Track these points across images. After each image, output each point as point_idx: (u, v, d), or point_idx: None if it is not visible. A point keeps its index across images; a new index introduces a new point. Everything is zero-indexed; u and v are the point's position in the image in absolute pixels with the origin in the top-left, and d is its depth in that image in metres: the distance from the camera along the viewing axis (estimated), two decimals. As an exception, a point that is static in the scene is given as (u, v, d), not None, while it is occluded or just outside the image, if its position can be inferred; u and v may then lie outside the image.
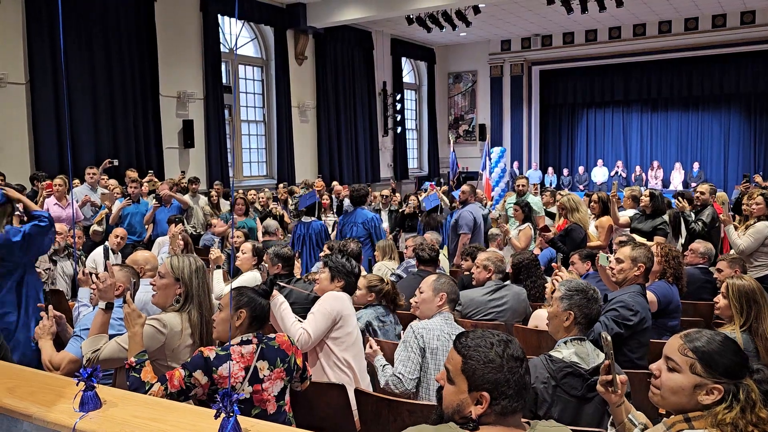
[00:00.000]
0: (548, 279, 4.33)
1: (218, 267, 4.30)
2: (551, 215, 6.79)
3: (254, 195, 8.94)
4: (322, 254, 5.94)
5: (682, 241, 5.98)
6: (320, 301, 3.06)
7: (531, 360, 2.25)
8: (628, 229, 5.55)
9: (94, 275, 2.82)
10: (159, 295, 2.61)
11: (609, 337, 1.83)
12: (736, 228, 5.05)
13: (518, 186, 7.26)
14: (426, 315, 2.86)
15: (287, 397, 2.42)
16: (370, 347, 2.82)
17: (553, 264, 3.30)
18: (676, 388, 1.64)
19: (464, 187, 6.89)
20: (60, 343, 2.83)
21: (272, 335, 2.45)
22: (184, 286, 2.54)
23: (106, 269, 2.62)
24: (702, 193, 5.75)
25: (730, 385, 1.59)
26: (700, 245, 4.62)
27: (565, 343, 2.32)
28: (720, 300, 2.97)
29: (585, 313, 2.35)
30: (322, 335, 2.95)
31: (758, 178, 9.82)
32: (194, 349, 2.39)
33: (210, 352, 2.21)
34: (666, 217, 5.49)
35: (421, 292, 2.91)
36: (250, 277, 4.24)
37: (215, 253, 4.37)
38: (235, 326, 2.35)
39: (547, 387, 2.20)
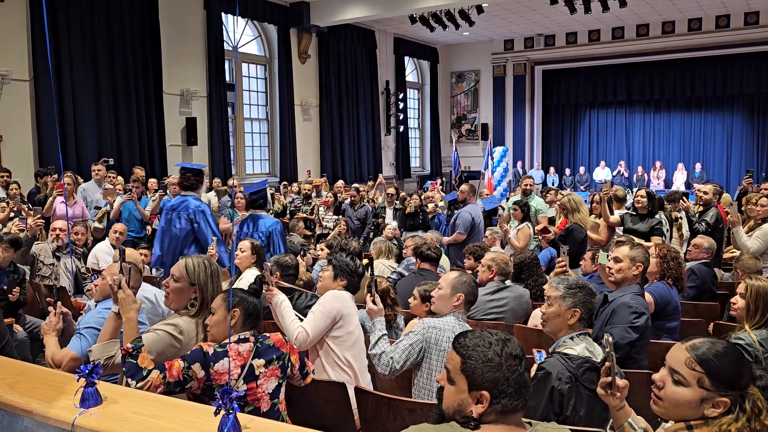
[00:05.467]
0: (548, 278, 4.33)
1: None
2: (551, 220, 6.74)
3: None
4: (323, 253, 5.94)
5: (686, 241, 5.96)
6: (321, 299, 3.04)
7: (548, 361, 2.27)
8: (621, 228, 5.53)
9: (108, 277, 2.77)
10: (173, 298, 2.56)
11: (611, 338, 1.82)
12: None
13: (525, 185, 6.96)
14: (440, 311, 2.84)
15: (281, 396, 2.43)
16: (373, 302, 2.75)
17: (558, 259, 3.29)
18: (682, 402, 1.61)
19: (463, 187, 6.80)
20: (66, 338, 2.84)
21: (267, 334, 2.46)
22: (200, 291, 2.51)
23: (121, 271, 2.50)
24: (705, 193, 5.69)
25: (736, 397, 1.57)
26: (704, 240, 4.66)
27: (572, 338, 2.32)
28: (738, 300, 2.97)
29: (588, 308, 2.39)
30: (321, 334, 2.94)
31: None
32: None
33: (209, 348, 2.25)
34: (660, 217, 5.47)
35: (439, 288, 2.87)
36: (251, 277, 4.17)
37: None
38: (230, 325, 2.35)
39: (571, 386, 2.18)
